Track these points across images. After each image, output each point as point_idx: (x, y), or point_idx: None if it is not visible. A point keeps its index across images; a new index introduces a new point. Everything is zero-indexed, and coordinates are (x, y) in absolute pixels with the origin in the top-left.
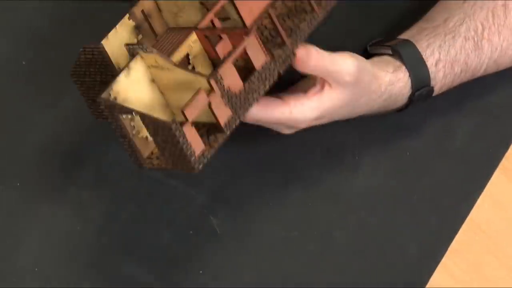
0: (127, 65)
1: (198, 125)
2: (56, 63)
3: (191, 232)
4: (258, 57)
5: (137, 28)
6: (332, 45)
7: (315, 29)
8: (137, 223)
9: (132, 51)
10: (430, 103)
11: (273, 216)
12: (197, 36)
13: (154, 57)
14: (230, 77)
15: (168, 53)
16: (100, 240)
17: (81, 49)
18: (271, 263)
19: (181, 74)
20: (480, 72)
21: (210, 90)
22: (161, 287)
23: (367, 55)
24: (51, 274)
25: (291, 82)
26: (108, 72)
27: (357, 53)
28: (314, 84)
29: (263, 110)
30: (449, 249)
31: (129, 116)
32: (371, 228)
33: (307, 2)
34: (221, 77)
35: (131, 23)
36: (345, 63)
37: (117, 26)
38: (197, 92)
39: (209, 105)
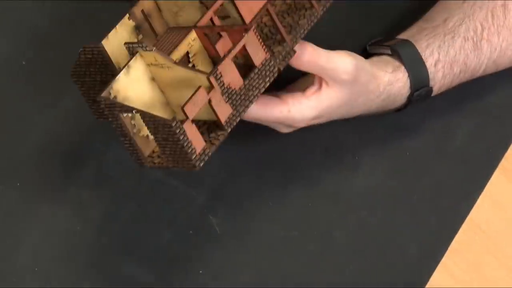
0: (126, 64)
1: (198, 123)
2: (56, 63)
3: (191, 232)
4: (258, 54)
5: (137, 28)
6: (331, 45)
7: (314, 26)
8: (137, 223)
9: (132, 50)
10: (429, 103)
11: (273, 215)
12: (197, 34)
13: (154, 55)
14: (230, 74)
15: (168, 52)
16: (100, 240)
17: (81, 49)
18: (271, 263)
19: (181, 72)
20: (479, 73)
21: (210, 88)
22: (161, 287)
23: (366, 54)
24: (51, 274)
25: (289, 80)
26: (108, 71)
27: (356, 52)
28: (312, 83)
29: (261, 108)
30: (449, 249)
31: (130, 115)
32: (371, 228)
33: None
34: (221, 74)
35: (131, 23)
36: (342, 61)
37: (117, 26)
38: (197, 90)
39: (209, 102)
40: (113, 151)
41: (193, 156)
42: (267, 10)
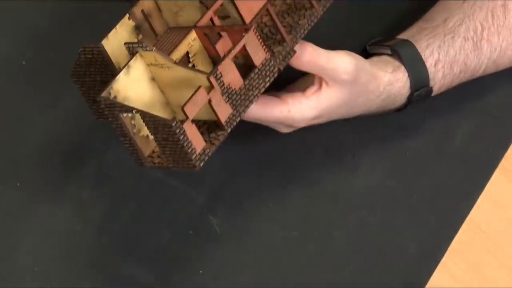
0: (127, 64)
1: (198, 123)
2: (56, 63)
3: (191, 232)
4: (258, 54)
5: (137, 28)
6: (331, 45)
7: (314, 26)
8: (137, 223)
9: (132, 50)
10: (429, 103)
11: (273, 215)
12: (197, 34)
13: (154, 55)
14: (230, 74)
15: (168, 52)
16: (100, 240)
17: (81, 49)
18: (271, 263)
19: (181, 72)
20: (479, 73)
21: (210, 88)
22: (161, 287)
23: (366, 54)
24: (51, 274)
25: (289, 80)
26: (108, 71)
27: (356, 53)
28: (312, 83)
29: (261, 109)
30: (449, 249)
31: (130, 115)
32: (370, 228)
33: None
34: (221, 74)
35: (131, 23)
36: (341, 61)
37: (117, 26)
38: (197, 90)
39: (210, 102)
40: (113, 151)
41: (193, 156)
42: (267, 10)
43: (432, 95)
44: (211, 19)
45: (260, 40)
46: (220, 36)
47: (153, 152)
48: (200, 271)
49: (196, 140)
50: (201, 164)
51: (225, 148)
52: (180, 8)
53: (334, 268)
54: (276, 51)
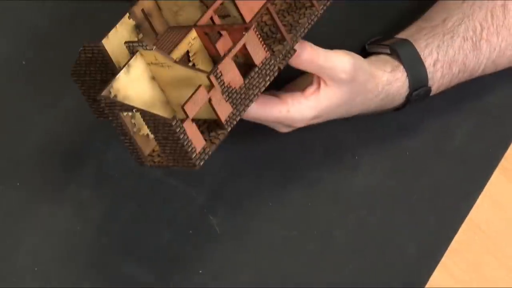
0: (127, 63)
1: (198, 122)
2: (56, 63)
3: (191, 231)
4: (258, 53)
5: (138, 27)
6: (331, 44)
7: (314, 25)
8: (137, 223)
9: (132, 49)
10: (429, 103)
11: (273, 215)
12: (197, 33)
13: (154, 54)
14: (230, 73)
15: (168, 51)
16: (100, 240)
17: (81, 48)
18: (271, 263)
19: (181, 71)
20: (478, 73)
21: (211, 86)
22: (161, 287)
23: (365, 54)
24: (51, 274)
25: (288, 80)
26: (109, 70)
27: (355, 52)
28: (311, 83)
29: (261, 108)
30: (449, 248)
31: (130, 114)
32: (370, 228)
33: None
34: (221, 73)
35: (131, 22)
36: (340, 60)
37: (117, 25)
38: (197, 89)
39: (210, 101)
40: (113, 151)
41: (193, 155)
42: (267, 9)
43: (431, 94)
44: (211, 18)
45: (260, 39)
46: (220, 35)
47: (153, 151)
48: (200, 271)
49: (196, 139)
50: (201, 163)
51: (225, 147)
52: (180, 8)
53: (334, 267)
54: (276, 50)
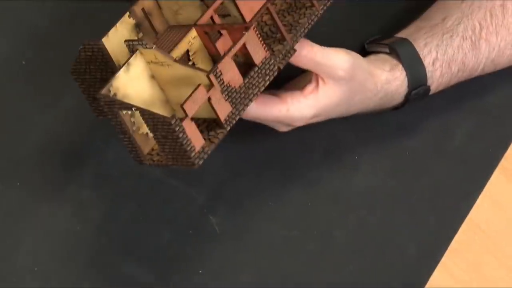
0: (126, 61)
1: (198, 121)
2: (55, 63)
3: (191, 231)
4: (258, 53)
5: (138, 26)
6: (331, 44)
7: (314, 25)
8: (137, 223)
9: (132, 47)
10: (429, 103)
11: (273, 215)
12: (197, 32)
13: (154, 53)
14: (230, 72)
15: (168, 50)
16: (100, 240)
17: (81, 47)
18: (271, 262)
19: (181, 70)
20: (478, 72)
21: (210, 86)
22: (161, 287)
23: (365, 53)
24: (51, 274)
25: (288, 79)
26: (108, 69)
27: (355, 51)
28: (310, 81)
29: (260, 107)
30: (449, 248)
31: (129, 112)
32: (370, 228)
33: None
34: (220, 73)
35: (132, 21)
36: (338, 58)
37: (117, 24)
38: (196, 87)
39: (209, 100)
40: (113, 151)
41: (192, 154)
42: (268, 8)
43: (430, 94)
44: (212, 18)
45: (260, 39)
46: (221, 34)
47: (152, 149)
48: (200, 271)
49: (195, 138)
50: (200, 162)
51: (225, 147)
52: (180, 7)
53: (333, 267)
54: (276, 50)
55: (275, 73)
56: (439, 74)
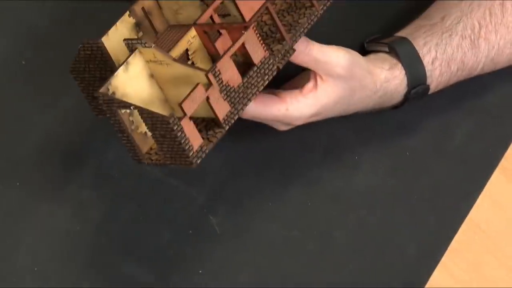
0: (125, 60)
1: (196, 120)
2: (55, 63)
3: (191, 231)
4: (257, 52)
5: (138, 26)
6: (330, 43)
7: (314, 24)
8: (137, 223)
9: (131, 46)
10: (429, 103)
11: (273, 215)
12: (196, 31)
13: (153, 52)
14: (229, 71)
15: (168, 49)
16: (100, 240)
17: (80, 45)
18: (271, 262)
19: (180, 69)
20: (477, 71)
21: (209, 85)
22: (161, 287)
23: (364, 52)
24: (51, 274)
25: (287, 78)
26: (108, 68)
27: (354, 50)
28: (309, 80)
29: (259, 107)
30: (449, 248)
31: (128, 111)
32: (370, 228)
33: None
34: (219, 72)
35: (132, 20)
36: (336, 55)
37: (117, 23)
38: (195, 87)
39: (208, 99)
40: (113, 150)
41: (190, 153)
42: (267, 8)
43: (429, 93)
44: (211, 17)
45: (259, 38)
46: (220, 34)
47: (151, 149)
48: (200, 271)
49: (193, 137)
50: (198, 161)
51: (224, 147)
52: (180, 6)
53: (333, 267)
54: (275, 50)
55: (274, 73)
56: (438, 73)
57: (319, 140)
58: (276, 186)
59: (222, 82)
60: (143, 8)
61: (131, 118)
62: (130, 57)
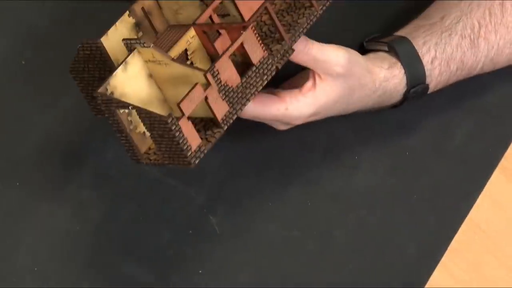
0: (124, 60)
1: (195, 120)
2: (55, 63)
3: (190, 231)
4: (256, 52)
5: (137, 26)
6: (329, 43)
7: (313, 24)
8: (137, 223)
9: (130, 46)
10: (429, 102)
11: (273, 215)
12: (195, 31)
13: (151, 52)
14: (227, 71)
15: (167, 49)
16: (100, 240)
17: (79, 45)
18: (271, 262)
19: (178, 69)
20: (477, 71)
21: (207, 85)
22: (161, 287)
23: (364, 51)
24: (51, 274)
25: (286, 77)
26: (107, 68)
27: (353, 49)
28: (308, 79)
29: (259, 106)
30: (449, 248)
31: (126, 111)
32: (370, 227)
33: None
34: (218, 72)
35: (131, 20)
36: (334, 54)
37: (117, 23)
38: (193, 86)
39: (206, 99)
40: (112, 150)
41: (188, 153)
42: (266, 8)
43: (429, 92)
44: (211, 17)
45: (258, 38)
46: (219, 33)
47: (149, 149)
48: (200, 271)
49: (191, 137)
50: (196, 162)
51: (224, 147)
52: (180, 6)
53: (333, 267)
54: (274, 50)
55: (273, 73)
56: (437, 72)
57: (318, 140)
58: (275, 186)
59: (220, 82)
60: (143, 8)
61: (129, 118)
62: (129, 57)
